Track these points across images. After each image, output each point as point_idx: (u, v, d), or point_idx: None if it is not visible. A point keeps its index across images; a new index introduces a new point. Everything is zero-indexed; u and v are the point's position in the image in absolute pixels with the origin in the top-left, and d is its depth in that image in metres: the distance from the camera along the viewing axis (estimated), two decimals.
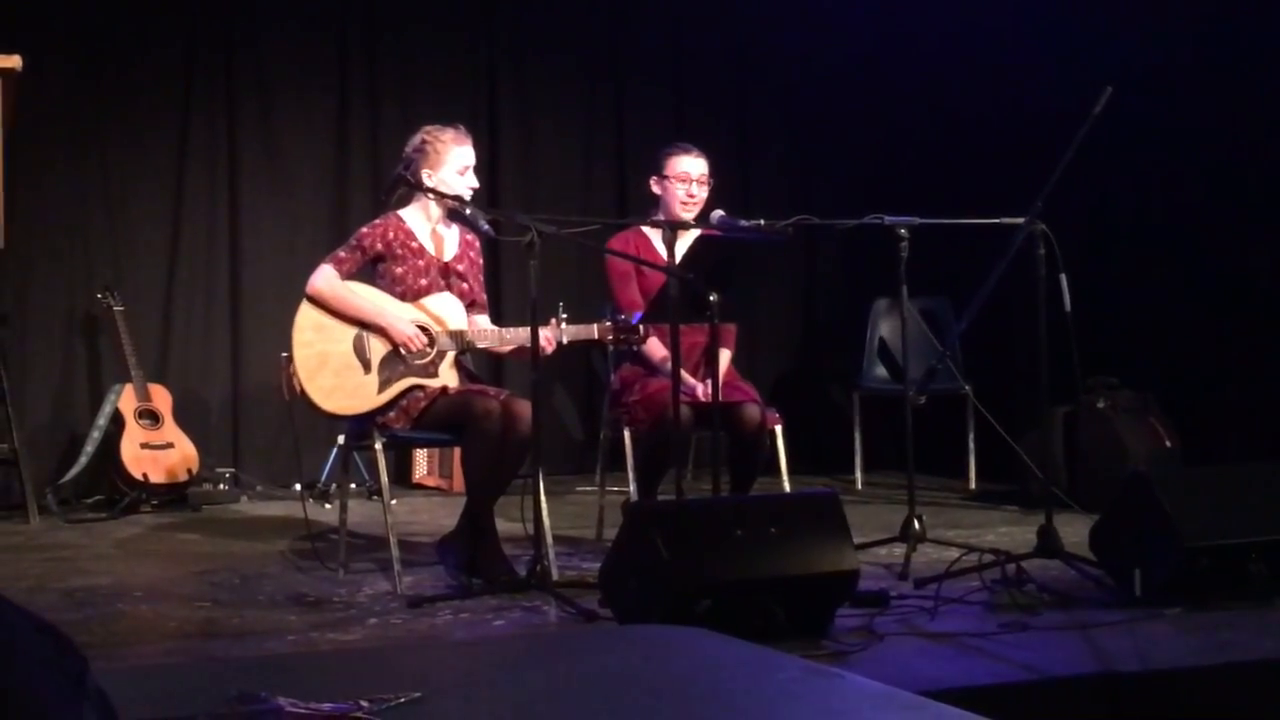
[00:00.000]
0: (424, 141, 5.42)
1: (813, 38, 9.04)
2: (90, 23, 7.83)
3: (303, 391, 5.23)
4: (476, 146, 5.53)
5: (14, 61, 4.72)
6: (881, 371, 8.31)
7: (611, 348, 5.74)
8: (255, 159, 8.18)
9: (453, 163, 5.39)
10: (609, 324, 5.28)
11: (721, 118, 8.99)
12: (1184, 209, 7.34)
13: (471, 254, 5.58)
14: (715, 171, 6.00)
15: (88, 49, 7.82)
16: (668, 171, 5.91)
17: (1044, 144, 5.90)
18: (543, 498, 4.95)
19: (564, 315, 5.23)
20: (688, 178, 5.88)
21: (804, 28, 9.03)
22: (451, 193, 5.36)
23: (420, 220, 5.48)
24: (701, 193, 5.89)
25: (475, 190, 5.45)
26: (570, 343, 5.29)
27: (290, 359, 5.26)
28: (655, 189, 5.96)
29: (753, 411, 5.59)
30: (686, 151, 5.94)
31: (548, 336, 5.11)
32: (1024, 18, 8.14)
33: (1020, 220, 5.16)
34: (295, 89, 8.27)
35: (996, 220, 5.35)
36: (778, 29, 9.03)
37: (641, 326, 5.29)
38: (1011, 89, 8.18)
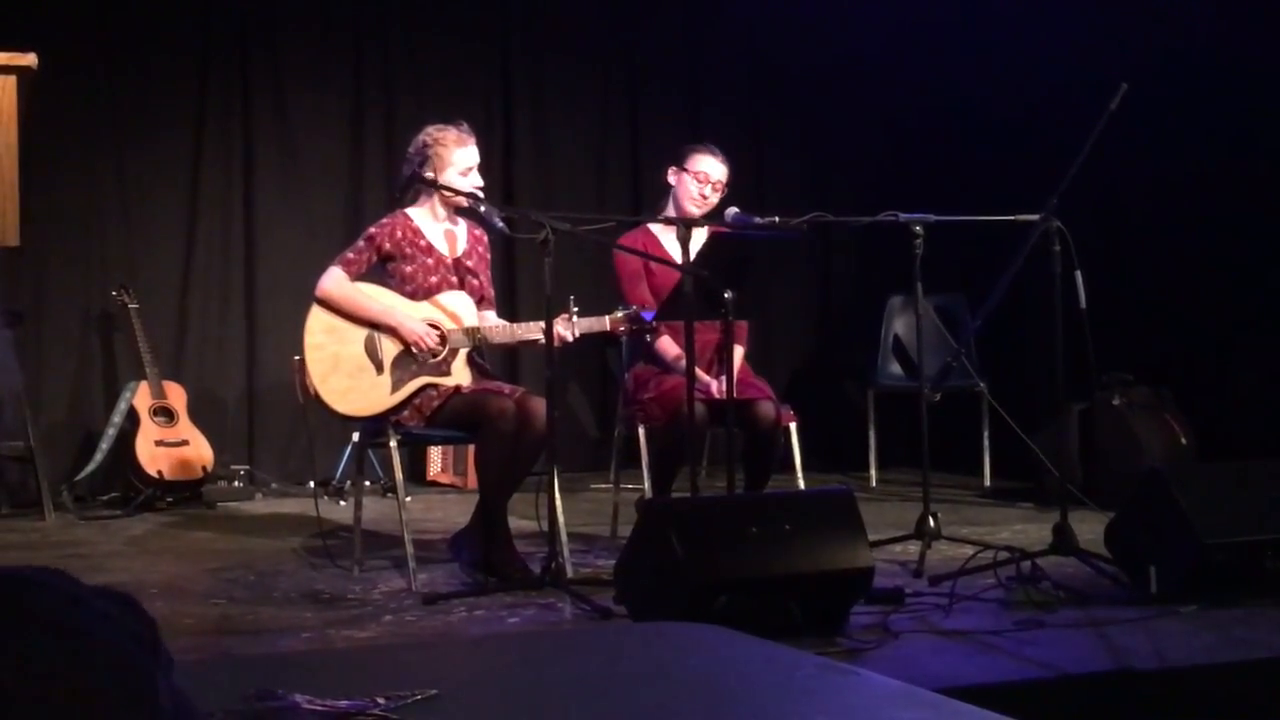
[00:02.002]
0: (425, 145, 5.41)
1: (827, 35, 9.03)
2: (105, 21, 7.84)
3: (316, 394, 5.23)
4: (491, 144, 5.53)
5: (29, 59, 4.71)
6: (896, 368, 8.30)
7: (625, 339, 5.73)
8: (270, 157, 8.20)
9: (457, 164, 5.38)
10: (620, 315, 5.28)
11: (736, 115, 8.99)
12: (1200, 205, 7.32)
13: (480, 249, 5.58)
14: (731, 173, 5.99)
15: (103, 47, 7.84)
16: (688, 165, 5.90)
17: (1059, 141, 5.89)
18: (557, 495, 4.95)
19: (575, 309, 5.22)
20: (706, 179, 5.88)
21: (818, 25, 9.02)
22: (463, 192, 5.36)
23: (428, 218, 5.48)
24: (715, 197, 5.89)
25: (481, 189, 5.44)
26: (582, 335, 5.28)
27: (302, 361, 5.26)
28: (670, 178, 5.96)
29: (767, 409, 5.58)
30: (712, 153, 5.93)
31: (559, 332, 5.11)
32: (1039, 14, 8.13)
33: (1036, 217, 5.15)
34: (310, 87, 8.28)
35: (1012, 217, 5.34)
36: (792, 26, 9.02)
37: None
38: (1027, 86, 8.16)
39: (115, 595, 1.06)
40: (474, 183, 5.40)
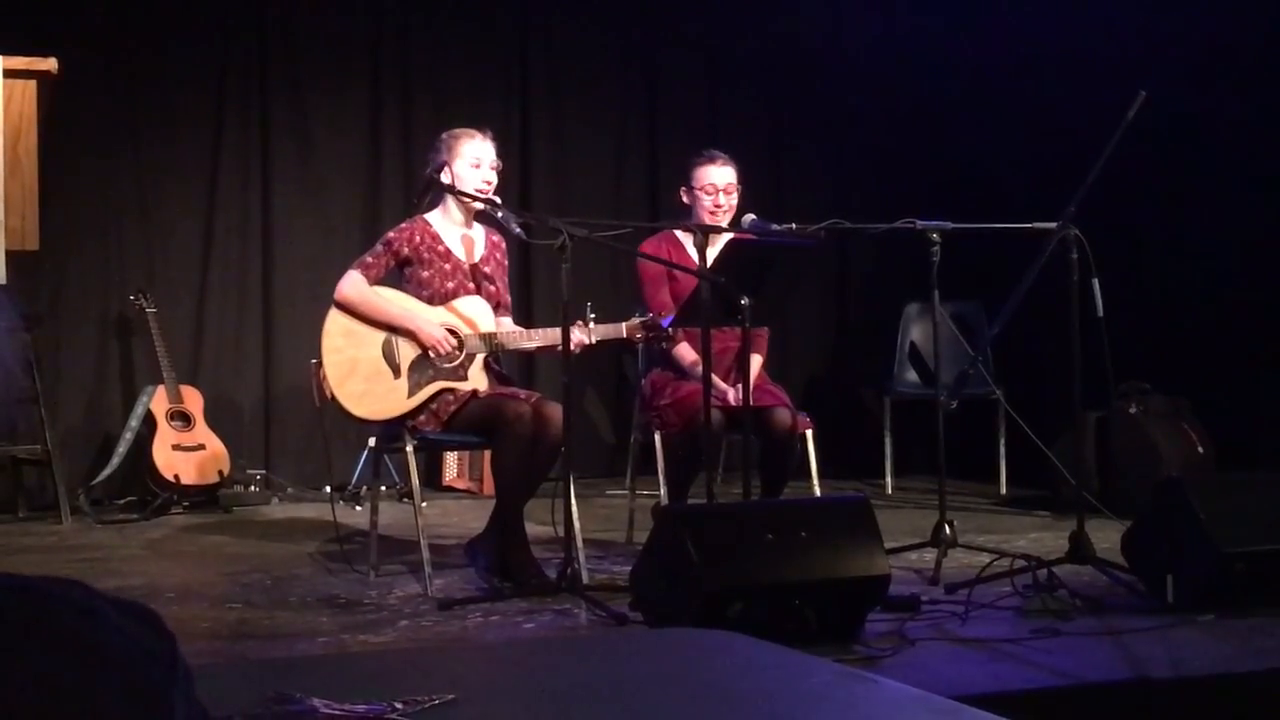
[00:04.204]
0: (440, 141, 5.46)
1: (846, 42, 9.03)
2: (123, 24, 7.86)
3: (333, 397, 5.24)
4: (509, 149, 5.53)
5: (49, 64, 4.73)
6: (913, 376, 8.30)
7: (641, 346, 5.74)
8: (288, 162, 8.21)
9: (465, 156, 5.40)
10: (637, 322, 5.28)
11: (754, 121, 8.99)
12: (1218, 213, 7.30)
13: (498, 255, 5.59)
14: (747, 175, 6.00)
15: (121, 53, 7.86)
16: (695, 183, 5.90)
17: (1077, 148, 5.88)
18: (573, 500, 4.95)
19: (592, 315, 5.23)
20: (714, 189, 5.87)
21: (837, 32, 9.02)
22: (469, 190, 5.36)
23: (447, 223, 5.49)
24: (729, 201, 5.88)
25: (489, 184, 5.43)
26: (599, 342, 5.29)
27: (320, 365, 5.27)
28: (685, 199, 5.96)
29: (784, 416, 5.58)
30: (711, 161, 5.92)
31: (577, 338, 5.12)
32: (1057, 21, 8.12)
33: (1053, 225, 5.14)
34: (328, 90, 8.29)
35: (1029, 225, 5.33)
36: (811, 33, 9.03)
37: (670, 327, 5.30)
38: (1045, 93, 8.15)
39: (134, 609, 1.05)
40: (483, 176, 5.40)
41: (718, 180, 5.88)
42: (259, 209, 8.16)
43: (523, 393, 5.38)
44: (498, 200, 5.39)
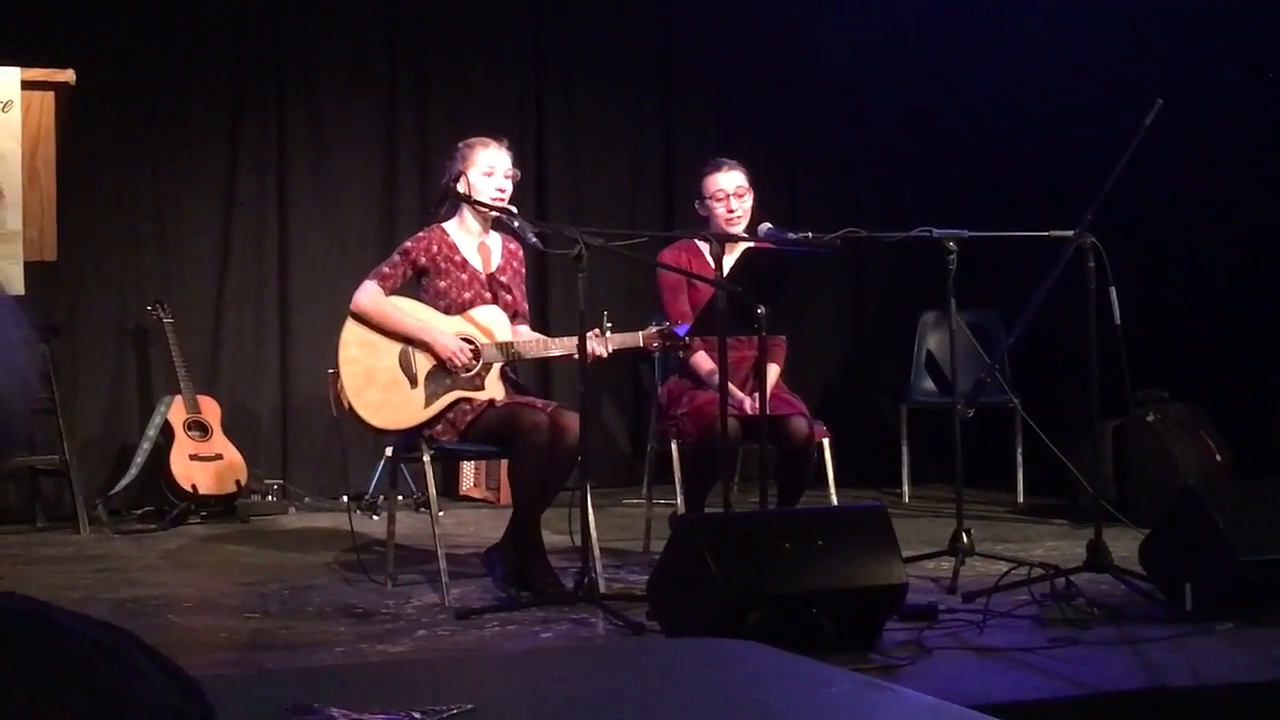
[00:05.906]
0: (456, 151, 5.46)
1: (861, 51, 9.02)
2: (140, 35, 7.88)
3: (350, 408, 5.24)
4: (525, 158, 5.52)
5: (67, 75, 4.76)
6: (929, 384, 8.27)
7: (658, 355, 5.74)
8: (304, 172, 8.22)
9: (479, 164, 5.39)
10: (654, 331, 5.28)
11: (768, 129, 8.98)
12: (1235, 221, 7.28)
13: (515, 264, 5.59)
14: (761, 184, 5.98)
15: (138, 64, 7.87)
16: (705, 193, 5.89)
17: (1094, 156, 5.87)
18: (590, 510, 4.95)
19: (609, 325, 5.23)
20: (724, 195, 5.85)
21: (852, 41, 9.01)
22: (483, 198, 5.36)
23: (464, 233, 5.49)
24: (741, 205, 5.85)
25: (503, 192, 5.43)
26: (615, 351, 5.28)
27: (337, 375, 5.28)
28: (701, 212, 5.95)
29: (800, 425, 5.57)
30: (718, 168, 5.91)
31: (594, 348, 5.11)
32: (1075, 29, 8.11)
33: (1070, 233, 5.14)
34: (344, 102, 8.30)
35: (1046, 233, 5.32)
36: (826, 42, 9.02)
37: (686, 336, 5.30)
38: (1062, 101, 8.14)
39: (172, 668, 1.04)
40: (496, 184, 5.39)
41: (726, 185, 5.87)
42: (275, 219, 8.17)
43: (540, 402, 5.38)
44: (513, 209, 5.38)
